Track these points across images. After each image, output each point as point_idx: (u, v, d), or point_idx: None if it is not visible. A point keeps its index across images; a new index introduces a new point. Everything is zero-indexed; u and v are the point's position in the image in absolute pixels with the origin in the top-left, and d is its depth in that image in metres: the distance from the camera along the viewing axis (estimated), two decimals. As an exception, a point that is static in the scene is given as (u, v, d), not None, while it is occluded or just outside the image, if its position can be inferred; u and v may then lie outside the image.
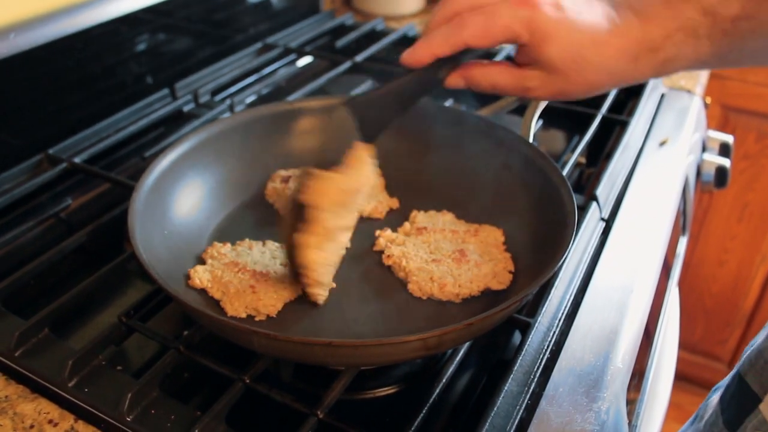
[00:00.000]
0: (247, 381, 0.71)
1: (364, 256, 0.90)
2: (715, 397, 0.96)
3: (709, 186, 1.41)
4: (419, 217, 0.95)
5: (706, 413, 0.95)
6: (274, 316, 0.80)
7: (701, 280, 2.45)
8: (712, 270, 2.40)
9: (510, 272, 0.85)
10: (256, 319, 0.80)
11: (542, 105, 1.00)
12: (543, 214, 0.86)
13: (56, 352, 0.77)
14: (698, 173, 1.40)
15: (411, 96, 0.85)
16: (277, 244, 0.90)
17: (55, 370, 0.74)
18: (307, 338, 0.61)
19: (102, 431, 0.71)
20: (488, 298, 0.83)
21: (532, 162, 0.90)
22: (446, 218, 0.95)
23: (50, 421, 0.72)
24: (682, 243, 1.34)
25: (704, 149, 1.45)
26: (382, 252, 0.90)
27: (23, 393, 0.75)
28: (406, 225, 0.94)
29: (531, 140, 0.96)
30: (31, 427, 0.71)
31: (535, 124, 0.98)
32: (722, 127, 2.13)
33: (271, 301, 0.80)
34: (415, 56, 0.79)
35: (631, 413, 0.86)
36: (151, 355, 0.81)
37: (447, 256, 0.87)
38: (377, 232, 0.93)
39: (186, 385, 0.77)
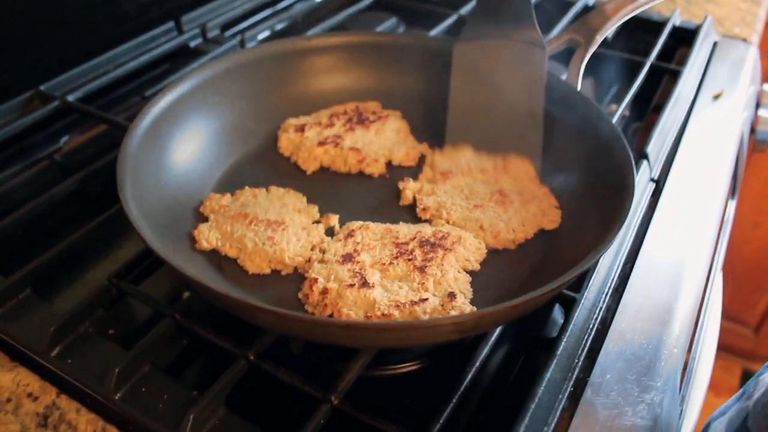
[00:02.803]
0: (252, 358, 0.62)
1: (392, 213, 0.81)
2: (767, 375, 0.87)
3: (763, 145, 1.29)
4: (438, 160, 0.85)
5: (757, 391, 0.86)
6: (303, 267, 0.72)
7: (732, 242, 2.33)
8: (746, 232, 2.29)
9: (557, 208, 0.77)
10: (283, 273, 0.72)
11: (591, 50, 0.88)
12: (593, 175, 0.75)
13: (38, 316, 0.69)
14: (752, 130, 1.28)
15: None
16: (283, 190, 0.81)
17: (37, 336, 0.65)
18: (321, 318, 0.52)
19: (87, 408, 0.62)
20: (544, 239, 0.76)
21: (581, 114, 0.79)
22: (467, 155, 0.85)
23: (30, 395, 0.63)
24: (731, 207, 1.23)
25: (758, 105, 1.33)
26: (411, 206, 0.81)
27: (1, 361, 0.66)
28: (427, 171, 0.85)
29: (578, 88, 0.84)
30: (8, 401, 0.63)
31: (583, 71, 0.87)
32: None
33: (297, 250, 0.72)
34: None
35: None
36: (143, 322, 0.73)
37: (488, 200, 0.78)
38: (400, 185, 0.83)
39: (181, 360, 0.69)
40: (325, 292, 0.67)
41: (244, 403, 0.62)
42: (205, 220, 0.76)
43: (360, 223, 0.76)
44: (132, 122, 0.74)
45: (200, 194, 0.79)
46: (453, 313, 0.64)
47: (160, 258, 0.58)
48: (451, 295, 0.66)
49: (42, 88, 1.02)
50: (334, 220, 0.78)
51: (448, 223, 0.77)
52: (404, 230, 0.75)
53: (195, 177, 0.80)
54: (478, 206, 0.77)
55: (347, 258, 0.71)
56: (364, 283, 0.67)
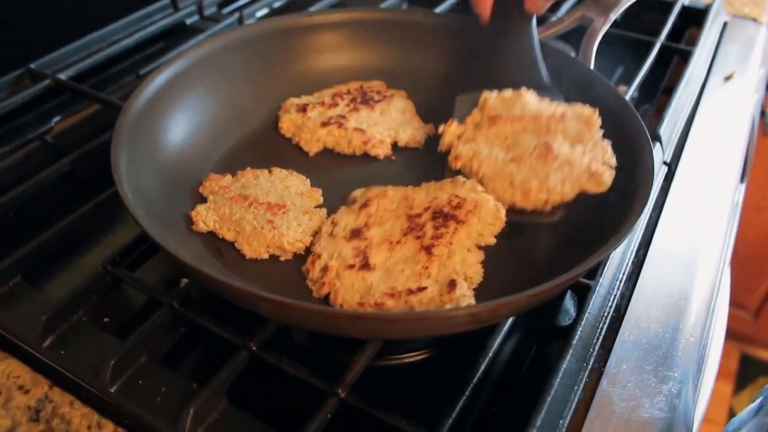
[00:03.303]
0: (254, 348, 0.59)
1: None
2: None
3: (773, 127, 1.26)
4: (491, 101, 0.77)
5: None
6: (303, 252, 0.69)
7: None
8: (748, 216, 2.26)
9: (611, 168, 0.68)
10: (282, 258, 0.69)
11: (604, 28, 0.85)
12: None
13: (29, 304, 0.66)
14: (762, 113, 1.25)
15: None
16: (286, 172, 0.78)
17: (28, 326, 0.63)
18: (330, 309, 0.49)
19: (82, 401, 0.60)
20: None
21: (597, 94, 0.76)
22: (525, 100, 0.75)
23: (20, 387, 0.61)
24: (741, 191, 1.20)
25: (768, 86, 1.30)
26: (426, 172, 0.76)
27: (-9, 351, 0.64)
28: (476, 113, 0.77)
29: (592, 67, 0.81)
30: (-2, 393, 0.60)
31: (595, 51, 0.84)
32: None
33: (297, 236, 0.69)
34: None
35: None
36: (139, 309, 0.70)
37: (529, 153, 0.70)
38: (441, 128, 0.78)
39: (179, 349, 0.65)
40: (325, 269, 0.65)
41: (246, 396, 0.59)
42: (204, 201, 0.73)
43: (378, 189, 0.72)
44: (126, 102, 0.71)
45: (198, 176, 0.76)
46: (450, 306, 0.60)
47: (156, 244, 0.55)
48: (452, 284, 0.62)
49: (33, 66, 0.98)
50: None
51: (477, 176, 0.71)
52: (421, 196, 0.71)
53: (193, 158, 0.76)
54: (516, 159, 0.70)
55: (355, 234, 0.68)
56: (365, 265, 0.64)
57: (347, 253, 0.66)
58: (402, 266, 0.65)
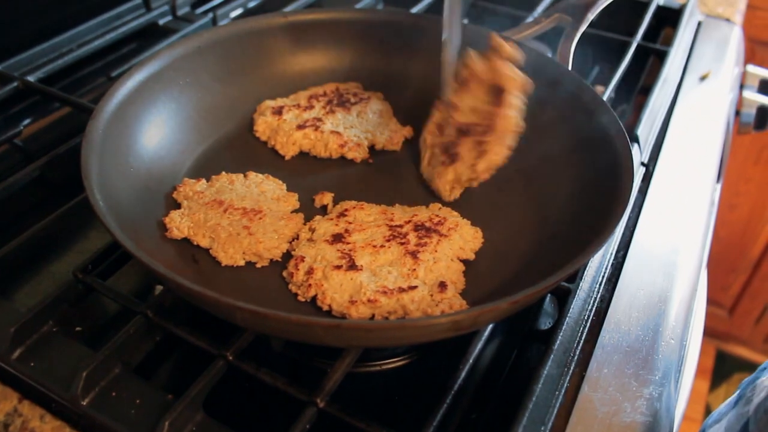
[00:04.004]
0: (230, 358, 0.58)
1: (379, 198, 0.76)
2: (766, 378, 0.85)
3: (747, 127, 1.27)
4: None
5: (756, 395, 0.84)
6: (279, 259, 0.68)
7: (709, 224, 2.34)
8: (721, 214, 2.28)
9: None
10: (258, 265, 0.68)
11: (581, 28, 0.85)
12: (587, 159, 0.72)
13: (-3, 315, 0.63)
14: (737, 112, 1.26)
15: None
16: (262, 176, 0.76)
17: (-5, 337, 0.60)
18: (307, 318, 0.48)
19: (53, 415, 0.58)
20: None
21: (574, 95, 0.76)
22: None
23: (-11, 401, 0.59)
24: (717, 191, 1.21)
25: (742, 86, 1.31)
26: (401, 189, 0.78)
27: (-43, 364, 0.61)
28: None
29: (569, 68, 0.81)
30: (-35, 407, 0.58)
31: (573, 52, 0.83)
32: (749, 61, 1.98)
33: (273, 243, 0.67)
34: None
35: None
36: (112, 317, 0.68)
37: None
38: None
39: (155, 360, 0.64)
40: (310, 272, 0.64)
41: (224, 407, 0.58)
42: (178, 206, 0.71)
43: (354, 202, 0.73)
44: (98, 104, 0.69)
45: (172, 180, 0.74)
46: (441, 306, 0.60)
47: (129, 252, 0.53)
48: (442, 285, 0.63)
49: (0, 67, 0.95)
50: (328, 198, 0.75)
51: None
52: (399, 213, 0.72)
53: (166, 162, 0.75)
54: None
55: (337, 238, 0.67)
56: (352, 266, 0.64)
57: (332, 255, 0.65)
58: (389, 268, 0.65)
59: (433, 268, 0.65)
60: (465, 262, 0.68)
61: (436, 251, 0.66)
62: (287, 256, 0.68)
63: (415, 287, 0.62)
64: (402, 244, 0.66)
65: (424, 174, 0.78)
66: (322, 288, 0.63)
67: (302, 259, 0.65)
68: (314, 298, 0.63)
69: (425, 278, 0.64)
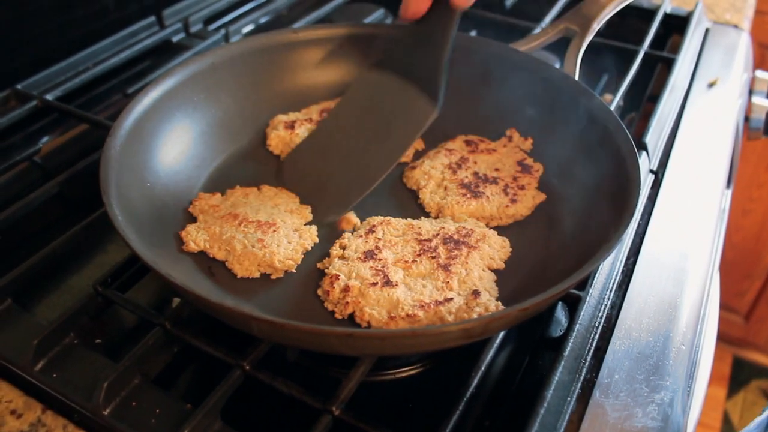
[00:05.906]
0: (247, 368, 0.59)
1: (391, 210, 0.77)
2: None
3: (757, 133, 1.27)
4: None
5: None
6: (294, 271, 0.69)
7: (723, 230, 2.33)
8: (735, 219, 2.28)
9: None
10: (273, 277, 0.69)
11: (588, 38, 0.86)
12: (596, 168, 0.73)
13: (20, 328, 0.65)
14: (746, 118, 1.26)
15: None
16: (275, 189, 0.78)
17: (19, 349, 0.62)
18: (321, 328, 0.49)
19: (75, 425, 0.59)
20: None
21: (582, 105, 0.77)
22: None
23: (13, 412, 0.60)
24: (727, 197, 1.21)
25: (751, 92, 1.31)
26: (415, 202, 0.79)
27: (-19, 376, 0.63)
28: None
29: (576, 78, 0.82)
30: (-10, 418, 0.59)
31: (580, 62, 0.84)
32: (758, 67, 1.98)
33: (287, 254, 0.69)
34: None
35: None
36: (131, 329, 0.69)
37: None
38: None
39: (173, 371, 0.65)
40: (346, 289, 0.65)
41: (241, 416, 0.59)
42: (194, 220, 0.73)
43: (381, 218, 0.74)
44: (115, 122, 0.71)
45: (188, 195, 0.76)
46: (477, 310, 0.62)
47: (147, 266, 0.55)
48: (476, 293, 0.64)
49: (19, 86, 0.98)
50: (354, 219, 0.76)
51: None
52: (426, 226, 0.73)
53: (182, 177, 0.76)
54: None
55: (369, 255, 0.68)
56: (387, 282, 0.65)
57: (366, 272, 0.66)
58: (423, 282, 0.66)
59: (465, 279, 0.66)
60: (496, 272, 0.70)
61: (467, 263, 0.67)
62: (301, 267, 0.70)
63: (451, 299, 0.63)
64: (433, 258, 0.68)
65: (425, 202, 0.79)
66: (359, 305, 0.64)
67: (337, 277, 0.66)
68: (352, 316, 0.65)
69: (459, 289, 0.66)
